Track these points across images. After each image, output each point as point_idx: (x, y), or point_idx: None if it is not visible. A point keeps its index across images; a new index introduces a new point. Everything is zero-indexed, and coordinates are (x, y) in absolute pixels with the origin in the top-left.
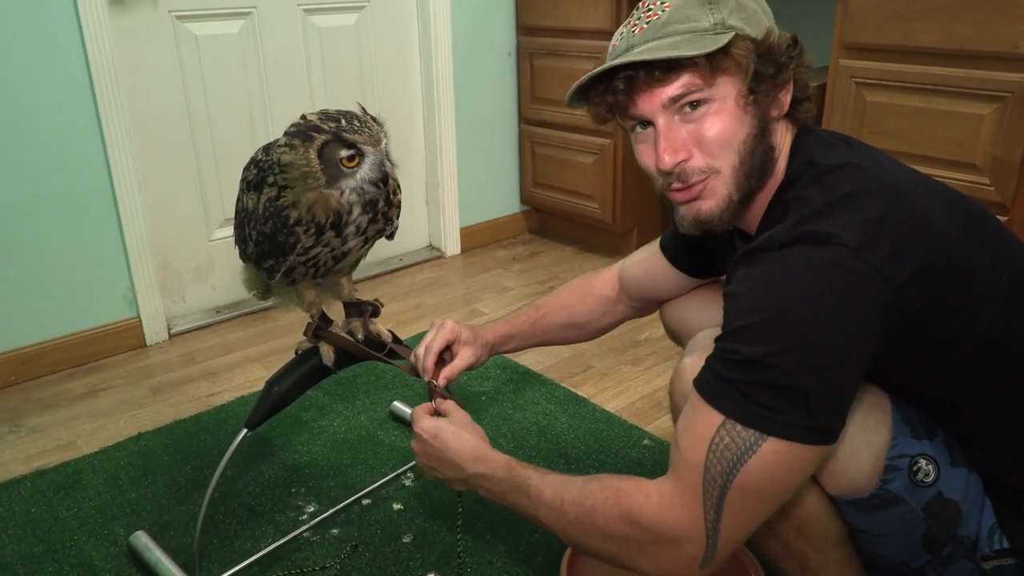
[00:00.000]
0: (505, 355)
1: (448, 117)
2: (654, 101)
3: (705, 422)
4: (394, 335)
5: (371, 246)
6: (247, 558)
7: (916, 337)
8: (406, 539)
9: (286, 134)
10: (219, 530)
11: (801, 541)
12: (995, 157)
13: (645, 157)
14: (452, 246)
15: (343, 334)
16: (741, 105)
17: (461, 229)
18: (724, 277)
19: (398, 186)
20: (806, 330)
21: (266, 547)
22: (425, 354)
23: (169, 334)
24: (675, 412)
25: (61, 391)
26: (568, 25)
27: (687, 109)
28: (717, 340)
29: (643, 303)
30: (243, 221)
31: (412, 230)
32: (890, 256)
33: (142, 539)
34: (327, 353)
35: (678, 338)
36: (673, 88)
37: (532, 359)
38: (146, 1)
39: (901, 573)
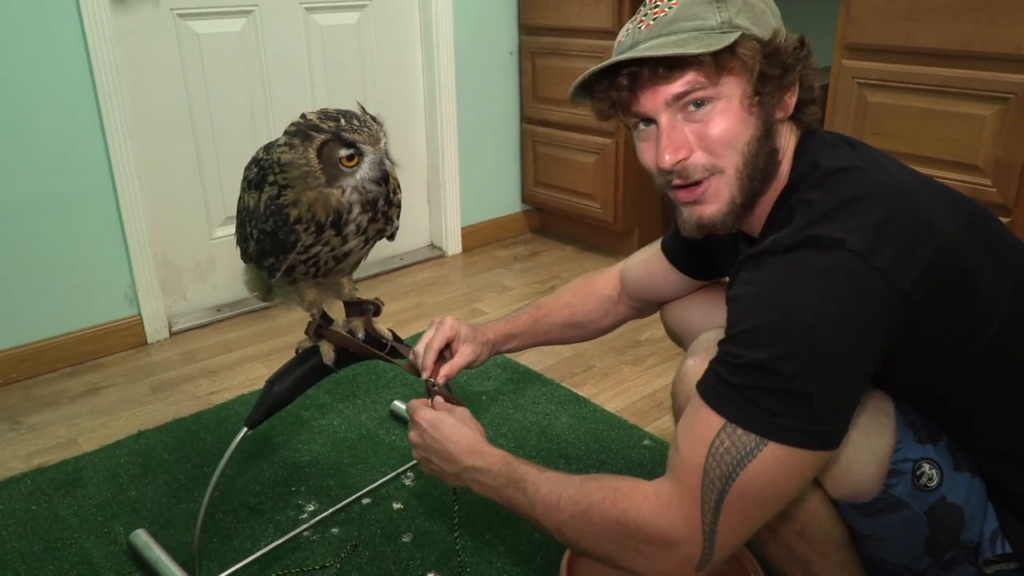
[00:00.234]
0: (506, 355)
1: (449, 116)
2: (657, 98)
3: (706, 425)
4: (394, 334)
5: (372, 246)
6: (247, 557)
7: (922, 341)
8: (406, 538)
9: (286, 133)
10: (219, 529)
11: (803, 544)
12: (997, 158)
13: (646, 155)
14: (453, 245)
15: (344, 333)
16: (746, 106)
17: (462, 228)
18: (726, 279)
19: (398, 186)
20: (810, 335)
21: (266, 546)
22: (425, 352)
23: (170, 332)
24: (677, 413)
25: (62, 389)
26: (570, 24)
27: (691, 108)
28: (720, 343)
29: (644, 304)
30: (244, 220)
31: (413, 229)
32: (896, 260)
33: (142, 537)
34: (327, 352)
35: (679, 339)
36: (677, 86)
37: (533, 359)
38: None
39: None
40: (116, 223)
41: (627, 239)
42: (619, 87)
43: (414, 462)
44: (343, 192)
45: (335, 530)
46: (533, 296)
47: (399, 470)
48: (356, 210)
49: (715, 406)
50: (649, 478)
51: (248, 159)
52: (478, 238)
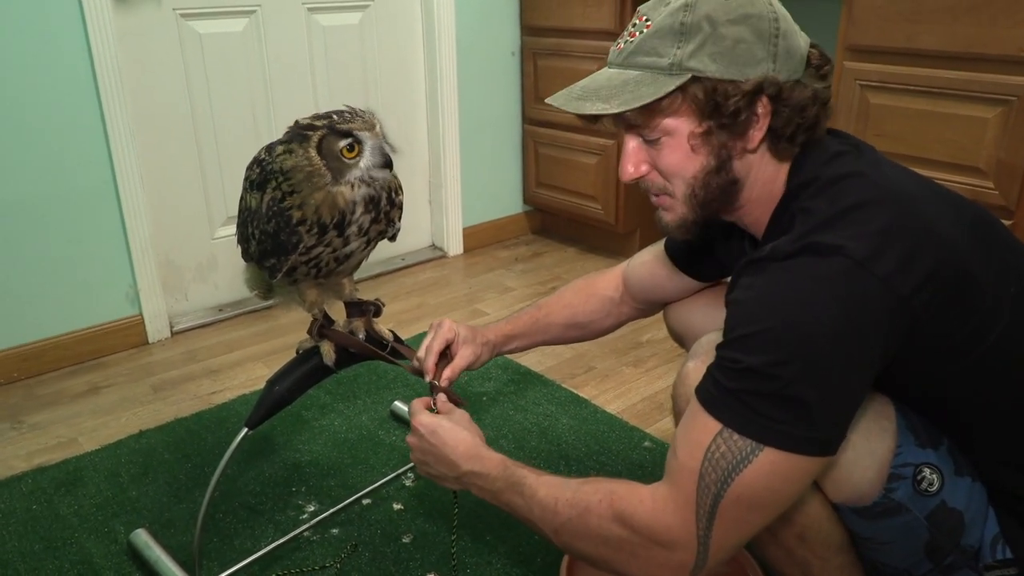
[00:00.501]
0: (507, 356)
1: (451, 117)
2: (620, 124)
3: (703, 429)
4: (395, 334)
5: (373, 247)
6: (247, 557)
7: (923, 346)
8: (406, 539)
9: (281, 142)
10: (219, 529)
11: (803, 548)
12: (999, 161)
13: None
14: (454, 246)
15: (346, 333)
16: (693, 144)
17: (463, 229)
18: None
19: (400, 187)
20: (809, 341)
21: (266, 546)
22: (426, 355)
23: (171, 332)
24: (678, 416)
25: (63, 388)
26: (572, 25)
27: (646, 137)
28: (719, 348)
29: (647, 304)
30: (246, 220)
31: (414, 230)
32: (896, 267)
33: (142, 537)
34: (328, 352)
35: (681, 340)
36: (628, 121)
37: (533, 360)
38: None
39: None
40: (118, 223)
41: (629, 240)
42: (587, 117)
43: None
44: (352, 188)
45: (335, 530)
46: (534, 297)
47: (399, 471)
48: (359, 210)
49: (712, 410)
50: (649, 480)
51: (250, 159)
52: (479, 239)
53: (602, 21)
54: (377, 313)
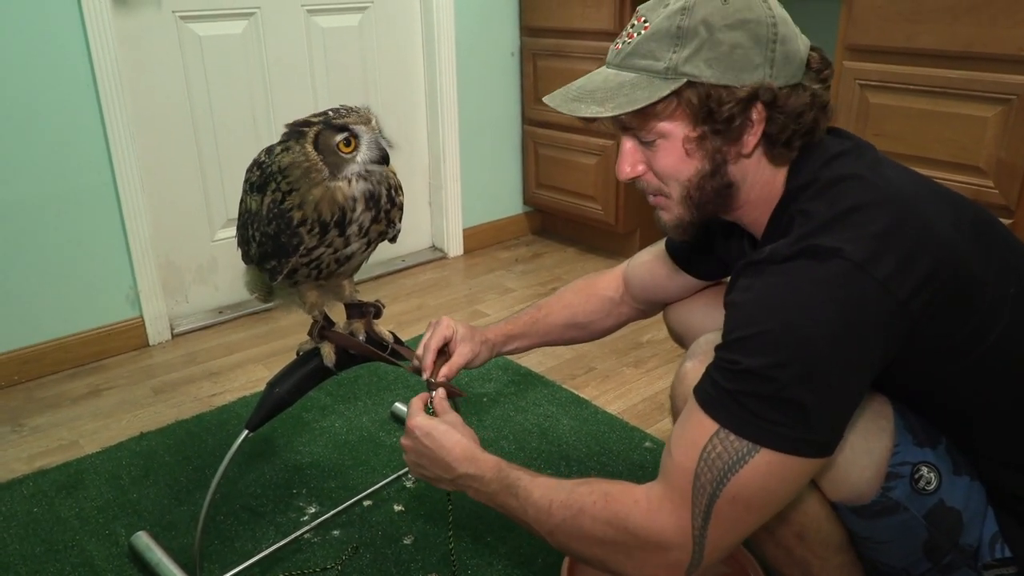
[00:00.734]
0: (507, 356)
1: (451, 118)
2: (616, 125)
3: (699, 429)
4: (395, 336)
5: (374, 249)
6: (248, 559)
7: (922, 347)
8: (407, 540)
9: (279, 143)
10: (220, 531)
11: (802, 547)
12: (999, 160)
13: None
14: (455, 247)
15: (346, 335)
16: (687, 148)
17: (464, 230)
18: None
19: (400, 188)
20: (807, 344)
21: (267, 548)
22: (424, 353)
23: (171, 334)
24: (676, 415)
25: (63, 391)
26: (571, 26)
27: (642, 139)
28: (717, 349)
29: (648, 304)
30: (246, 222)
31: (414, 231)
32: (895, 269)
33: (143, 539)
34: (328, 354)
35: (681, 340)
36: (623, 123)
37: (534, 361)
38: (150, 1)
39: None
40: (118, 225)
41: (629, 241)
42: (586, 118)
43: None
44: (349, 183)
45: (336, 532)
46: (535, 298)
47: (400, 472)
48: (360, 207)
49: (709, 411)
50: (650, 480)
51: (250, 161)
52: (479, 240)
53: (601, 22)
54: (377, 314)
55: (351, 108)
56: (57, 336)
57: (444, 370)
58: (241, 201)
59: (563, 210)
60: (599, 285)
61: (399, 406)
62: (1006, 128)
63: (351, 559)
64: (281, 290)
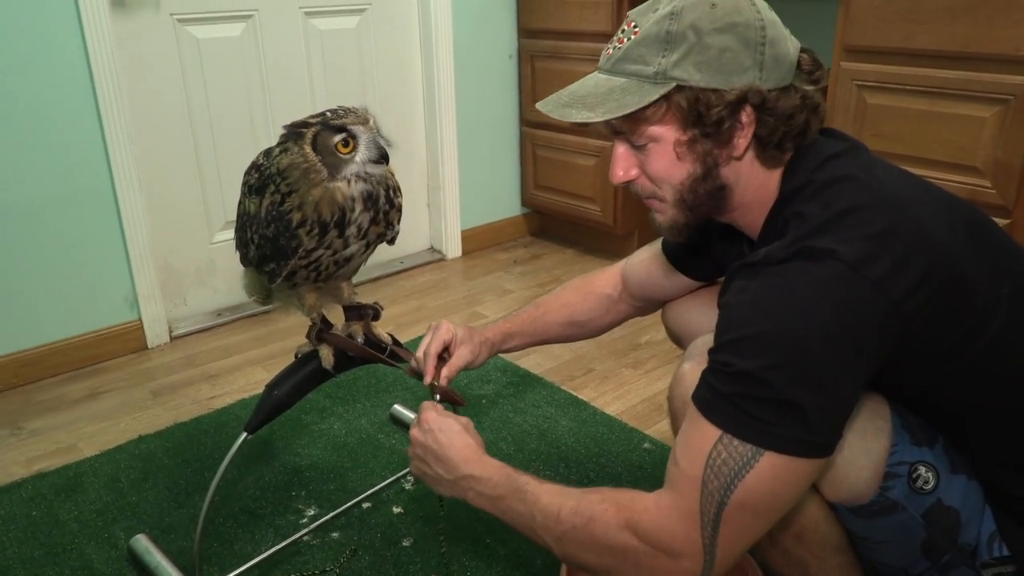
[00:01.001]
0: (506, 357)
1: (449, 120)
2: (608, 129)
3: (702, 436)
4: (393, 338)
5: (373, 251)
6: (247, 561)
7: (917, 348)
8: (406, 543)
9: (277, 144)
10: (219, 533)
11: (801, 548)
12: (996, 160)
13: None
14: (453, 249)
15: (345, 337)
16: (679, 151)
17: (462, 232)
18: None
19: (399, 189)
20: (802, 345)
21: (266, 550)
22: (424, 358)
23: (170, 337)
24: (673, 417)
25: (62, 394)
26: (569, 28)
27: (634, 143)
28: (711, 352)
29: (645, 302)
30: (245, 225)
31: (413, 233)
32: (889, 271)
33: (142, 542)
34: (327, 356)
35: (679, 341)
36: (615, 127)
37: (532, 362)
38: (148, 4)
39: None
40: (116, 227)
41: (627, 242)
42: (578, 124)
43: None
44: (348, 183)
45: (335, 534)
46: (533, 299)
47: (399, 474)
48: (359, 208)
49: (710, 416)
50: (650, 481)
51: (248, 163)
52: (478, 241)
53: (599, 24)
54: (376, 316)
55: (349, 109)
56: (55, 339)
57: (444, 371)
58: (239, 204)
59: (561, 211)
60: (597, 283)
61: (398, 408)
62: (1003, 128)
63: (350, 561)
64: (280, 292)
